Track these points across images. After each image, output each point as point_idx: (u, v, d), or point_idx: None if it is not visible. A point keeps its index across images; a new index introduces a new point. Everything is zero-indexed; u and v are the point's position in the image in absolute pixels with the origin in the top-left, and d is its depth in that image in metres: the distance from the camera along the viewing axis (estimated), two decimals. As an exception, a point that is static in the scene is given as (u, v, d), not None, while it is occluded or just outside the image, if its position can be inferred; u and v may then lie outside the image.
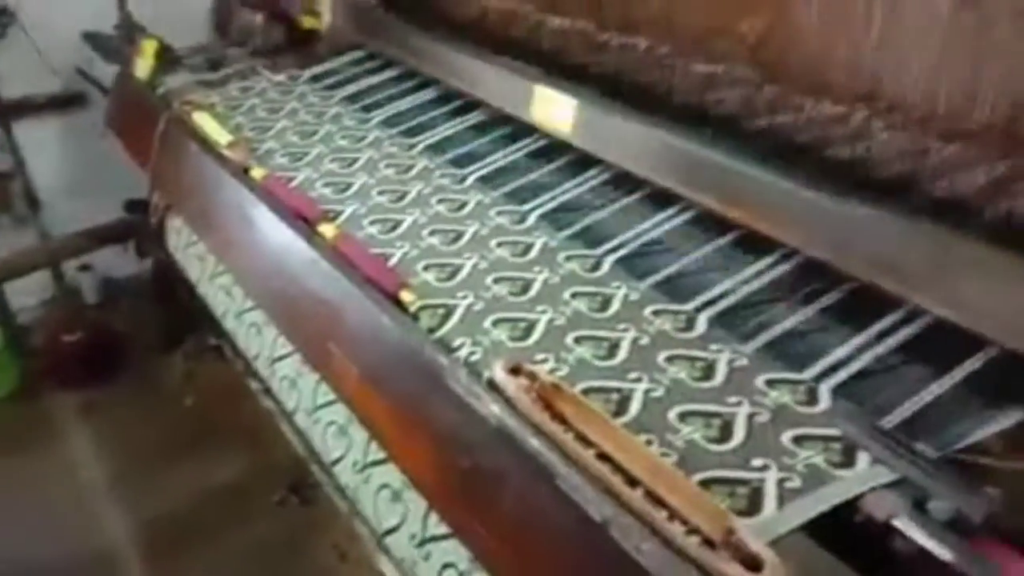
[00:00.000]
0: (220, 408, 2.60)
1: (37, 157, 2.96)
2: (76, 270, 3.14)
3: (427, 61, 1.86)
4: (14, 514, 2.32)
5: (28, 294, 3.05)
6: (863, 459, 0.88)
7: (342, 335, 1.19)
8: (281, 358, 1.47)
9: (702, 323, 1.10)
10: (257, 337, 1.53)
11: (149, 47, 2.05)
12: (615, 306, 1.14)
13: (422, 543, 1.09)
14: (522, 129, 1.60)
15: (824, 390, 0.98)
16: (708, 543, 0.76)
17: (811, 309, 1.10)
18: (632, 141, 1.38)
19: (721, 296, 1.15)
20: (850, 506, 0.83)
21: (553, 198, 1.41)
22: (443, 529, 1.06)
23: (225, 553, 2.20)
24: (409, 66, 1.93)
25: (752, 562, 0.73)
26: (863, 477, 0.85)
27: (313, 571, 2.14)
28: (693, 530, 0.77)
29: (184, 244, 1.92)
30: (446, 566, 1.05)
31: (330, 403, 1.29)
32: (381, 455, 1.17)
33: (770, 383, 0.99)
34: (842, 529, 0.83)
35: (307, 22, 2.15)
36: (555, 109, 1.49)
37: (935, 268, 1.01)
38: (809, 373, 1.00)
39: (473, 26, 1.83)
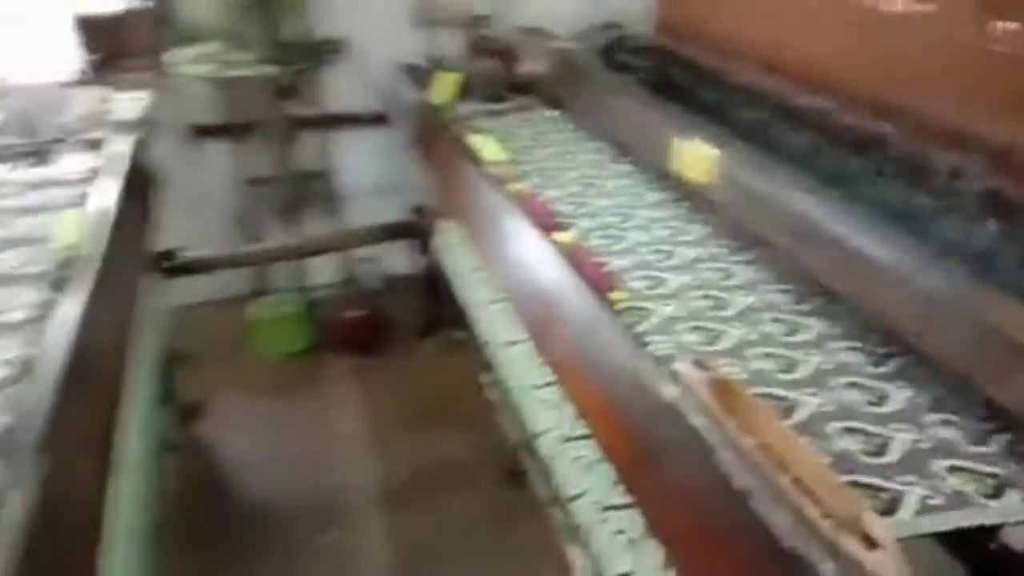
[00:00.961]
0: (457, 393, 2.96)
1: (345, 162, 3.58)
2: (361, 261, 3.71)
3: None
4: (283, 442, 2.85)
5: (323, 277, 3.67)
6: (1013, 496, 0.93)
7: (562, 320, 1.42)
8: (514, 343, 1.74)
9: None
10: (497, 324, 1.82)
11: (450, 79, 2.46)
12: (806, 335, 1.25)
13: (604, 509, 1.27)
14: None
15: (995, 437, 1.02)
16: (839, 526, 0.87)
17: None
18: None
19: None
20: (989, 533, 0.90)
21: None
22: (623, 500, 1.23)
23: (442, 515, 2.52)
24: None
25: (872, 544, 0.83)
26: (1008, 511, 0.91)
27: (512, 546, 2.39)
28: (828, 515, 0.89)
29: (451, 245, 2.28)
30: (619, 532, 1.22)
31: (547, 384, 1.52)
32: (581, 431, 1.37)
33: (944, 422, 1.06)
34: (977, 554, 0.90)
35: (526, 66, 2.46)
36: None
37: None
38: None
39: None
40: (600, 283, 1.38)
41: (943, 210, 1.33)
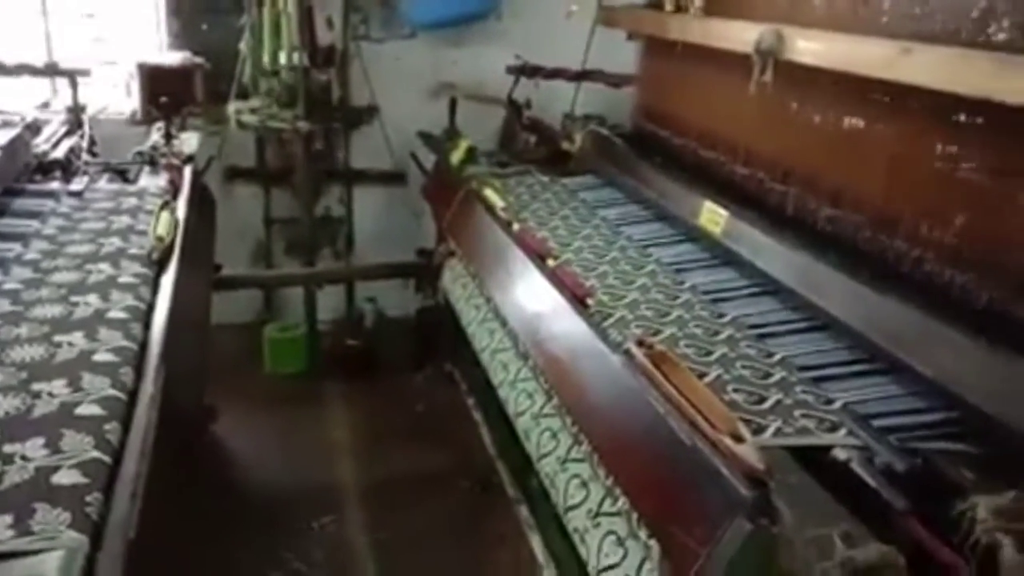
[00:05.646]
0: (441, 418, 3.38)
1: (362, 212, 4.09)
2: (364, 300, 4.17)
3: (642, 184, 2.59)
4: (279, 448, 3.26)
5: (328, 311, 4.11)
6: (841, 432, 1.39)
7: (549, 324, 1.89)
8: (503, 350, 2.20)
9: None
10: (493, 334, 2.28)
11: (463, 145, 3.00)
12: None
13: (596, 516, 1.65)
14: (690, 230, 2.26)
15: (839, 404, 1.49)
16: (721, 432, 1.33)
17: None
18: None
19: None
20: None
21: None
22: (613, 508, 1.61)
23: (422, 515, 2.91)
24: (630, 186, 2.67)
25: (740, 441, 1.29)
26: (835, 439, 1.37)
27: (484, 540, 2.77)
28: (714, 426, 1.34)
29: (455, 278, 2.76)
30: (609, 533, 1.61)
31: (550, 414, 1.87)
32: (579, 455, 1.70)
33: (805, 392, 1.53)
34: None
35: (565, 145, 3.01)
36: (713, 217, 2.14)
37: None
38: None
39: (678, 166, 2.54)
40: (580, 294, 1.86)
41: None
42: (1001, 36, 1.53)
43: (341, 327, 4.07)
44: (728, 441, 1.29)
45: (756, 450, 1.26)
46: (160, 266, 2.03)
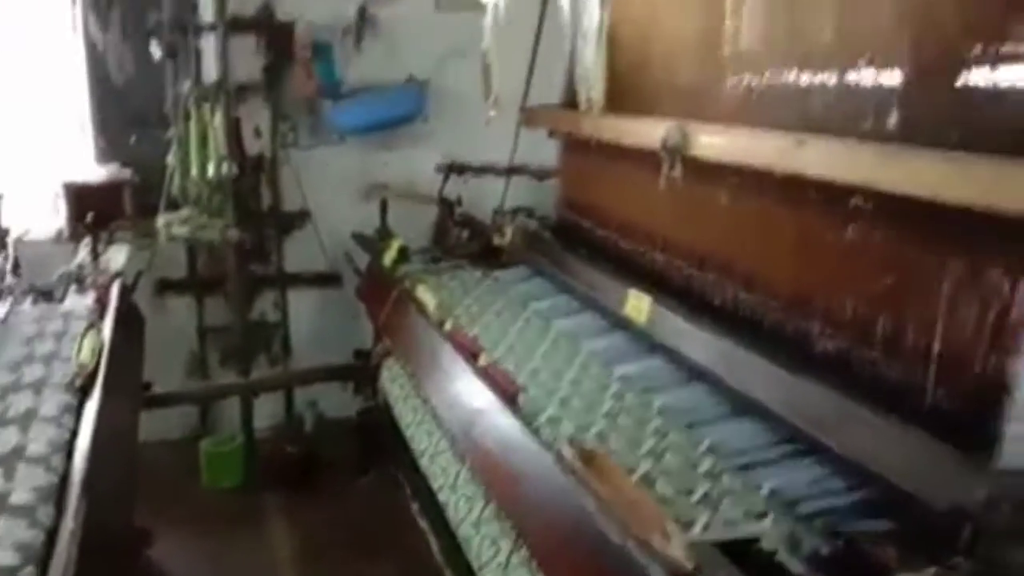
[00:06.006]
0: (386, 525, 3.29)
1: (298, 315, 4.07)
2: (304, 404, 4.10)
3: (570, 276, 2.65)
4: (217, 571, 3.11)
5: (267, 417, 4.03)
6: (769, 518, 1.41)
7: (482, 424, 1.89)
8: (441, 452, 2.18)
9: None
10: (431, 436, 2.26)
11: (395, 245, 3.04)
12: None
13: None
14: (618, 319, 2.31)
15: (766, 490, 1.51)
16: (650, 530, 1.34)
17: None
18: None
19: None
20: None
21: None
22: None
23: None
24: (559, 278, 2.73)
25: (669, 537, 1.30)
26: (762, 528, 1.39)
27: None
28: (643, 525, 1.35)
29: (393, 378, 2.75)
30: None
31: (489, 520, 1.86)
32: (518, 560, 1.66)
33: (733, 479, 1.55)
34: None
35: (496, 239, 3.07)
36: (637, 306, 2.20)
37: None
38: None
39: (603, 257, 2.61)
40: (510, 390, 1.87)
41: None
42: (891, 127, 1.64)
43: (281, 434, 3.99)
44: (657, 539, 1.30)
45: (685, 547, 1.28)
46: (84, 393, 1.98)
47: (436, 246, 3.52)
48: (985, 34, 1.40)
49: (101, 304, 2.57)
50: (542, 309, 2.55)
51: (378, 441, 3.36)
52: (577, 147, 2.81)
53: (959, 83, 1.45)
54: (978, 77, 1.42)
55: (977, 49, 1.41)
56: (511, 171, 3.63)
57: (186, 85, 3.51)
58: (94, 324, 2.34)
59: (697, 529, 1.40)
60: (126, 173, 3.84)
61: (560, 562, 1.51)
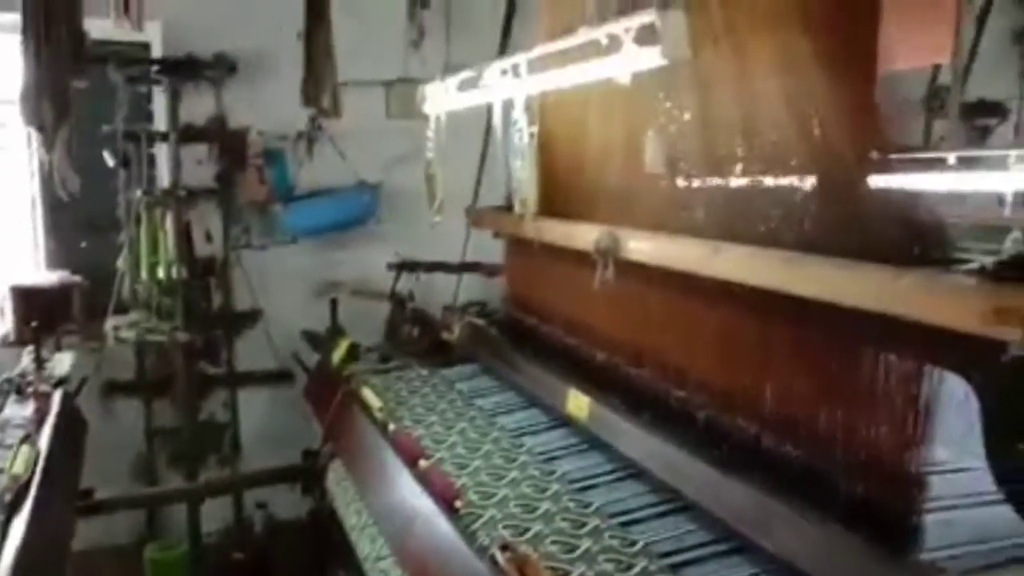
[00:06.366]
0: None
1: (248, 414, 4.03)
2: (254, 507, 4.01)
3: (515, 372, 2.70)
4: None
5: (216, 520, 3.93)
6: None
7: (419, 529, 1.89)
8: (383, 558, 2.16)
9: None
10: (374, 541, 2.24)
11: (344, 344, 3.06)
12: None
13: None
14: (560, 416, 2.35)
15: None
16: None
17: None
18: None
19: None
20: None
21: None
22: None
23: None
24: (505, 374, 2.77)
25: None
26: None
27: None
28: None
29: (338, 480, 2.73)
30: None
31: None
32: None
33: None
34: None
35: (445, 335, 3.12)
36: (578, 403, 2.24)
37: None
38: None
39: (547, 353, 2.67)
40: (448, 496, 1.88)
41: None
42: (806, 234, 1.73)
43: (230, 538, 3.88)
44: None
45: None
46: (13, 508, 1.94)
47: (388, 342, 3.55)
48: (871, 148, 1.52)
49: (41, 413, 2.54)
50: (487, 406, 2.58)
51: (329, 544, 3.29)
52: (520, 247, 2.90)
53: (854, 193, 1.57)
54: (867, 188, 1.53)
55: (866, 163, 1.53)
56: (463, 268, 3.72)
57: (138, 191, 3.56)
58: (30, 435, 2.31)
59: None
60: (76, 277, 3.83)
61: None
